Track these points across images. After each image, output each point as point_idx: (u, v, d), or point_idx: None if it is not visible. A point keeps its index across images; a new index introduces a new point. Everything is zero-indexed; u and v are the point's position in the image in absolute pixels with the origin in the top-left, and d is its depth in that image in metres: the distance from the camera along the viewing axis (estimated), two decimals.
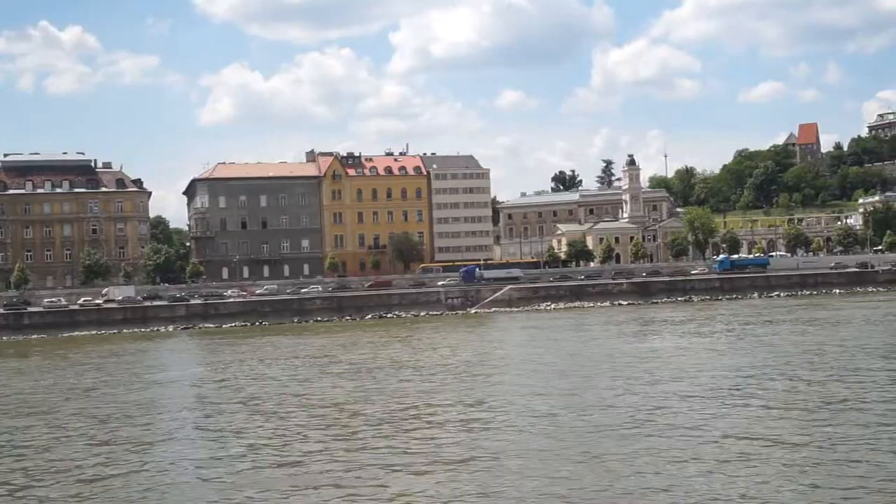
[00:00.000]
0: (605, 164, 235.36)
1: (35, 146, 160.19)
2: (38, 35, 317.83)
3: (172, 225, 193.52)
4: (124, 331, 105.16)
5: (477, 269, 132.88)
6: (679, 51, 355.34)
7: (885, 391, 38.05)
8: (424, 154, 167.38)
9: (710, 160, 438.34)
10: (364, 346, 74.10)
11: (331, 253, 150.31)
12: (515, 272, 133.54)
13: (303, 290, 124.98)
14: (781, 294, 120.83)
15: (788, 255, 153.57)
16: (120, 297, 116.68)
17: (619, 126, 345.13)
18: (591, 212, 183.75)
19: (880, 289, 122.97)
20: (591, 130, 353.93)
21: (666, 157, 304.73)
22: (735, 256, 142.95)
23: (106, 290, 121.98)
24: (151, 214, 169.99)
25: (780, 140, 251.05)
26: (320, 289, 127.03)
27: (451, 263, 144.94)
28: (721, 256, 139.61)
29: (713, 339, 65.51)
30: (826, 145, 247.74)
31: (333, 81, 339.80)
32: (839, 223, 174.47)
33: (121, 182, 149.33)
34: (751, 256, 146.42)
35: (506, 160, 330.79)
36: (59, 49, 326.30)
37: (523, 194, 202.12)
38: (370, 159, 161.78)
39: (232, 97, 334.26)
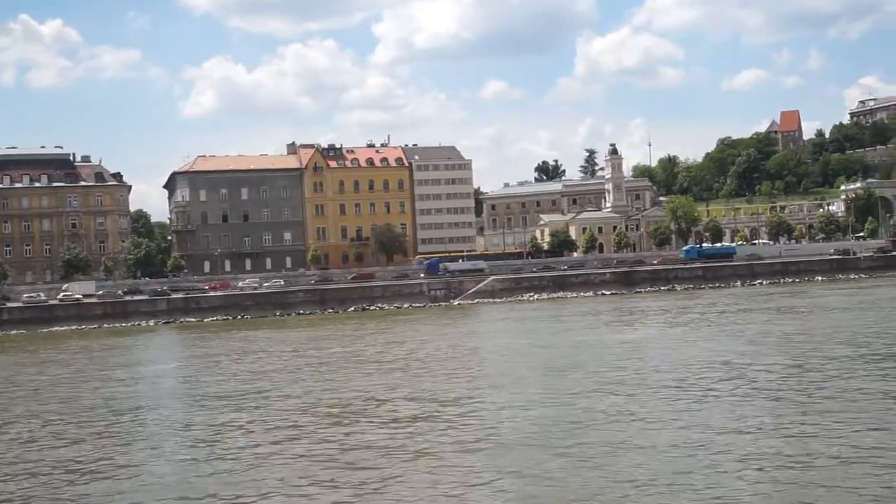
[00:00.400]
0: (588, 154, 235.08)
1: (16, 140, 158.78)
2: (19, 29, 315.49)
3: (155, 219, 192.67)
4: (104, 326, 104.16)
5: (440, 262, 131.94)
6: (662, 39, 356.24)
7: (841, 380, 37.62)
8: (406, 145, 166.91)
9: (694, 148, 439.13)
10: (338, 339, 73.39)
11: (313, 245, 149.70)
12: (481, 264, 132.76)
13: (265, 285, 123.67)
14: (764, 282, 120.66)
15: (771, 242, 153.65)
16: (80, 294, 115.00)
17: (603, 115, 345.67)
18: (575, 202, 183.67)
19: (862, 275, 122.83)
20: (574, 120, 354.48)
21: (650, 145, 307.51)
22: (701, 245, 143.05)
23: (66, 286, 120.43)
24: (134, 208, 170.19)
25: (763, 128, 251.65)
26: (283, 283, 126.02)
27: (449, 254, 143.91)
28: (688, 246, 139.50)
29: (685, 329, 64.51)
30: (808, 132, 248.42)
31: (317, 73, 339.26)
32: (821, 210, 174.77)
33: (100, 176, 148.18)
34: (717, 245, 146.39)
35: (490, 151, 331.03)
36: (40, 43, 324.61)
37: (506, 185, 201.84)
38: (352, 151, 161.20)
39: (215, 90, 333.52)
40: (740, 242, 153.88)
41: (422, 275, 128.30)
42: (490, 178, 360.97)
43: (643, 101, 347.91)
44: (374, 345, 65.64)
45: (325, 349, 64.45)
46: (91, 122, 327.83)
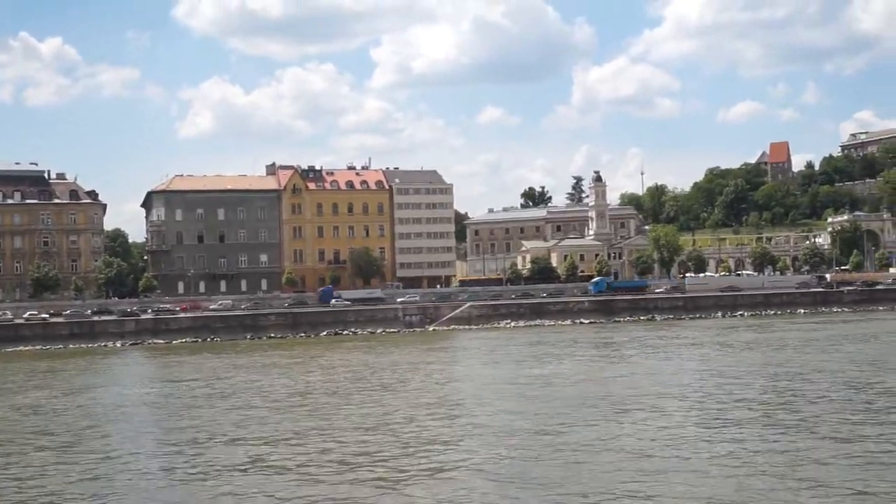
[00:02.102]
0: (575, 181, 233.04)
1: (12, 157, 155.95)
2: (18, 46, 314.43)
3: (138, 239, 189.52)
4: (70, 346, 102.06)
5: (333, 291, 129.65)
6: (659, 69, 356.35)
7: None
8: (387, 168, 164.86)
9: (687, 178, 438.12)
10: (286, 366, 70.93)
11: (289, 268, 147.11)
12: (377, 293, 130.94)
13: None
14: (745, 314, 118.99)
15: (755, 274, 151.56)
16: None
17: (600, 144, 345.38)
18: (559, 228, 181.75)
19: (845, 309, 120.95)
20: (571, 148, 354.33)
21: (643, 174, 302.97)
22: (611, 279, 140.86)
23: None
24: (117, 227, 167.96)
25: (757, 160, 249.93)
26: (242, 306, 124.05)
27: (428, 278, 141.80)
28: (596, 279, 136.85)
29: (601, 366, 62.16)
30: (800, 165, 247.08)
31: (314, 96, 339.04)
32: (808, 242, 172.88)
33: (74, 193, 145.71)
34: (629, 280, 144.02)
35: (486, 177, 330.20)
36: (39, 60, 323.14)
37: (490, 210, 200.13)
38: (331, 173, 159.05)
39: (212, 111, 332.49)
40: (723, 273, 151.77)
41: (401, 298, 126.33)
42: (486, 205, 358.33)
43: (639, 130, 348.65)
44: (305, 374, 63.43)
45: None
46: (87, 140, 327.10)
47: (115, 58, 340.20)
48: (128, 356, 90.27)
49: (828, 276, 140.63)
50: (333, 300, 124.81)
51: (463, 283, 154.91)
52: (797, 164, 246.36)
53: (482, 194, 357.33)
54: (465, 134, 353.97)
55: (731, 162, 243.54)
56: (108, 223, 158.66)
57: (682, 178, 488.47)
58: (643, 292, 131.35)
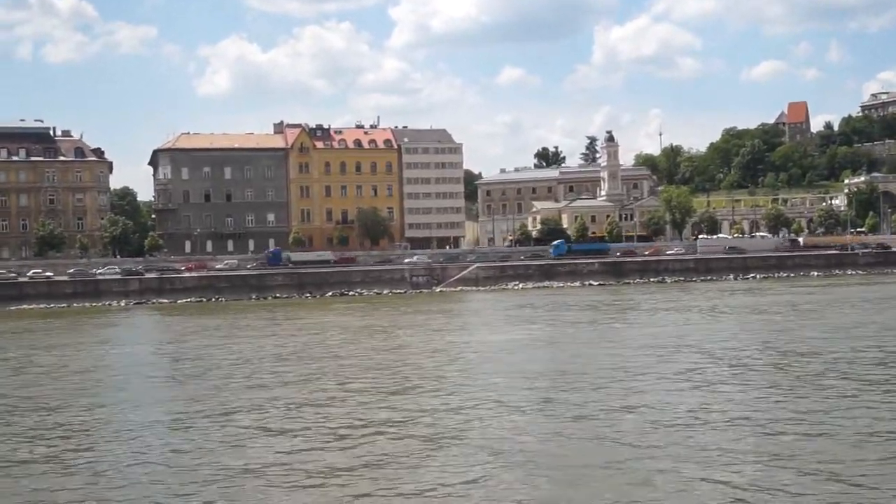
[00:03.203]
0: (589, 141, 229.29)
1: (29, 115, 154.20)
2: (36, 2, 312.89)
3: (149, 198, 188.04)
4: (74, 304, 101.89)
5: (282, 253, 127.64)
6: (680, 28, 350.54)
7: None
8: (396, 127, 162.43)
9: (707, 139, 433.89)
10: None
11: (296, 227, 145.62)
12: (326, 255, 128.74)
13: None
14: (758, 276, 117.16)
15: (769, 235, 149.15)
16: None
17: (621, 104, 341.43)
18: (572, 189, 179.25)
19: (860, 272, 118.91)
20: (591, 108, 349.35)
21: (661, 135, 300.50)
22: (570, 242, 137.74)
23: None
24: (126, 186, 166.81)
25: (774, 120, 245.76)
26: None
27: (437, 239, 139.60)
28: (556, 241, 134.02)
29: (569, 332, 57.94)
30: (821, 125, 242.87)
31: (333, 55, 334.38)
32: (824, 204, 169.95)
33: (79, 151, 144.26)
34: (591, 242, 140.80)
35: (505, 138, 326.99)
36: (57, 17, 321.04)
37: (503, 170, 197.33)
38: (339, 132, 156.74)
39: (229, 69, 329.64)
40: (736, 234, 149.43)
41: (409, 259, 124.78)
42: (506, 166, 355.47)
43: (661, 90, 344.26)
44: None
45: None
46: (103, 98, 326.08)
47: (133, 15, 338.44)
48: (120, 316, 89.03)
49: (800, 239, 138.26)
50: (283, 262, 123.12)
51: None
52: (818, 124, 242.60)
53: (501, 155, 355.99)
54: (485, 94, 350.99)
55: (752, 122, 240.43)
56: (123, 182, 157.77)
57: (702, 138, 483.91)
58: (605, 255, 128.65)
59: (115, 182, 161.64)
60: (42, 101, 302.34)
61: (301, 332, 62.93)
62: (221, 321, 75.99)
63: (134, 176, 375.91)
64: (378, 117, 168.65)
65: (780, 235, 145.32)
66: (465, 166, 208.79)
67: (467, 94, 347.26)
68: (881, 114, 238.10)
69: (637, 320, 65.52)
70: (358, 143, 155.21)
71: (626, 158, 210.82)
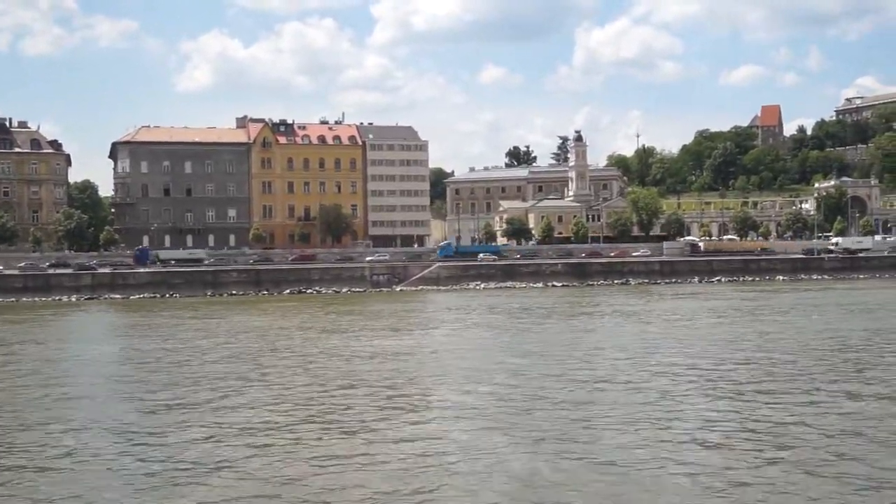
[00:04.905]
0: (561, 141, 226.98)
1: (4, 108, 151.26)
2: None
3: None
4: (23, 299, 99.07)
5: (150, 251, 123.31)
6: (661, 31, 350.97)
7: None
8: (361, 123, 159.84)
9: (683, 141, 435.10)
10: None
11: (257, 223, 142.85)
12: (199, 253, 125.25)
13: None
14: (722, 279, 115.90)
15: (737, 238, 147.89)
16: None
17: (601, 105, 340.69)
18: (541, 189, 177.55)
19: (826, 276, 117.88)
20: (572, 109, 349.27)
21: (638, 136, 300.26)
22: (460, 244, 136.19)
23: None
24: (87, 179, 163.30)
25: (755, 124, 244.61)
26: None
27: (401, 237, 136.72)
28: (443, 242, 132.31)
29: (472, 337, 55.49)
30: (794, 129, 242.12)
31: (314, 52, 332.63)
32: (793, 207, 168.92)
33: (36, 143, 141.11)
34: (481, 245, 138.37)
35: (486, 136, 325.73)
36: (35, 9, 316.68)
37: (472, 169, 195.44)
38: (303, 127, 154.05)
39: (210, 64, 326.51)
40: (703, 237, 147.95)
41: (370, 257, 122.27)
42: (485, 164, 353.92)
43: (641, 93, 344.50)
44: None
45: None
46: (80, 92, 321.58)
47: (113, 9, 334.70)
48: (65, 313, 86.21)
49: (700, 244, 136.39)
50: (151, 261, 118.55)
51: None
52: (793, 129, 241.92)
53: (480, 154, 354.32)
54: (467, 91, 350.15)
55: (729, 126, 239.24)
56: (91, 176, 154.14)
57: (679, 140, 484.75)
58: (498, 258, 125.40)
59: (83, 176, 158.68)
60: (17, 95, 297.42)
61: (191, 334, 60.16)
62: (138, 319, 73.75)
63: (104, 170, 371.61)
64: (343, 113, 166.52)
65: (682, 241, 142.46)
66: (443, 165, 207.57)
67: (449, 92, 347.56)
68: (855, 118, 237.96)
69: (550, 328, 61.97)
70: (322, 138, 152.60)
71: (602, 159, 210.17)
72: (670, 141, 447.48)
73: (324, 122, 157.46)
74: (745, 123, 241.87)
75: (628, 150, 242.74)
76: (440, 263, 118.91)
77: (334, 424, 29.12)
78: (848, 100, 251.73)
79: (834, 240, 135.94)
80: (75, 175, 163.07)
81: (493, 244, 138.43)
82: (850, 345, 46.65)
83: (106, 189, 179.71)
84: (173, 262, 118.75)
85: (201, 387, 36.86)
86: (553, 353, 45.69)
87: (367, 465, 23.97)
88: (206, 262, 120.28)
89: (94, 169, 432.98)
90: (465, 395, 33.97)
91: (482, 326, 62.56)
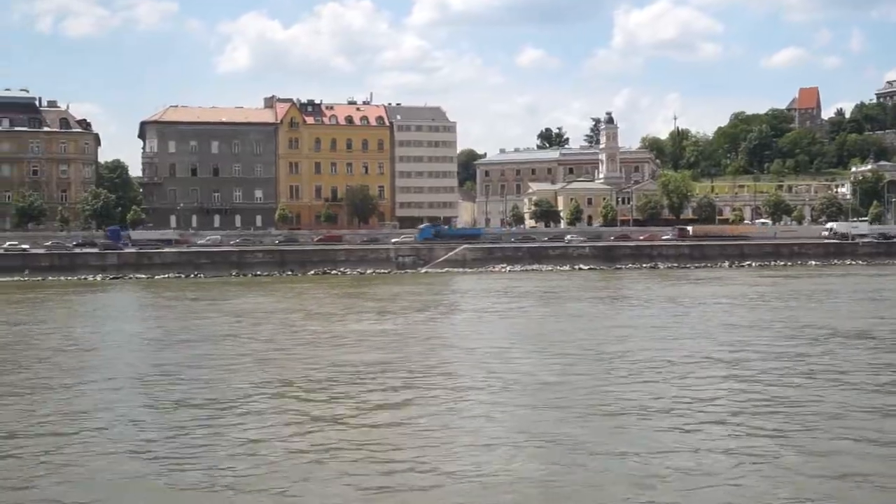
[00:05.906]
0: (593, 123, 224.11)
1: (51, 88, 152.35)
2: None
3: None
4: (49, 278, 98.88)
5: (122, 231, 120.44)
6: (701, 13, 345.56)
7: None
8: (389, 104, 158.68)
9: (719, 123, 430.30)
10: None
11: (283, 204, 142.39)
12: (169, 234, 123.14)
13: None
14: (753, 264, 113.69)
15: (770, 222, 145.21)
16: None
17: (640, 87, 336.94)
18: (571, 171, 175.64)
19: (859, 262, 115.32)
20: (611, 91, 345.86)
21: (675, 119, 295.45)
22: (439, 226, 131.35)
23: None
24: (117, 158, 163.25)
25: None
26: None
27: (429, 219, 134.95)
28: (423, 225, 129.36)
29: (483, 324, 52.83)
30: (831, 112, 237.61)
31: (352, 33, 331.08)
32: (829, 192, 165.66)
33: (65, 122, 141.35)
34: (462, 227, 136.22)
35: (523, 119, 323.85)
36: None
37: (502, 151, 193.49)
38: (331, 107, 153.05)
39: (249, 46, 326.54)
40: (734, 221, 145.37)
41: (396, 238, 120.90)
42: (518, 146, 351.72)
43: (680, 75, 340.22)
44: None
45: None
46: (122, 73, 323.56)
47: None
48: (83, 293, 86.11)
49: (689, 228, 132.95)
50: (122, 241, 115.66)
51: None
52: (832, 112, 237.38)
53: (517, 137, 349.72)
54: (505, 74, 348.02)
55: (766, 108, 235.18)
56: (122, 156, 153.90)
57: (717, 124, 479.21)
58: (477, 241, 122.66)
59: (118, 156, 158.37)
60: (58, 75, 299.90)
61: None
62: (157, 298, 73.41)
63: (137, 151, 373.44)
64: (371, 94, 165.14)
65: (787, 222, 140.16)
66: (479, 147, 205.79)
67: (487, 73, 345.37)
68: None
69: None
70: (349, 119, 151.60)
71: (633, 142, 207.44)
72: (708, 124, 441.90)
73: (352, 103, 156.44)
74: (783, 106, 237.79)
75: (665, 133, 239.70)
76: (466, 245, 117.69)
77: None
78: (889, 82, 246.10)
79: (828, 224, 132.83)
80: (111, 155, 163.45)
81: (477, 228, 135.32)
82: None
83: (136, 169, 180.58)
84: (147, 241, 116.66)
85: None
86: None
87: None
88: (173, 241, 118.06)
89: (129, 150, 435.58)
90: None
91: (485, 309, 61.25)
